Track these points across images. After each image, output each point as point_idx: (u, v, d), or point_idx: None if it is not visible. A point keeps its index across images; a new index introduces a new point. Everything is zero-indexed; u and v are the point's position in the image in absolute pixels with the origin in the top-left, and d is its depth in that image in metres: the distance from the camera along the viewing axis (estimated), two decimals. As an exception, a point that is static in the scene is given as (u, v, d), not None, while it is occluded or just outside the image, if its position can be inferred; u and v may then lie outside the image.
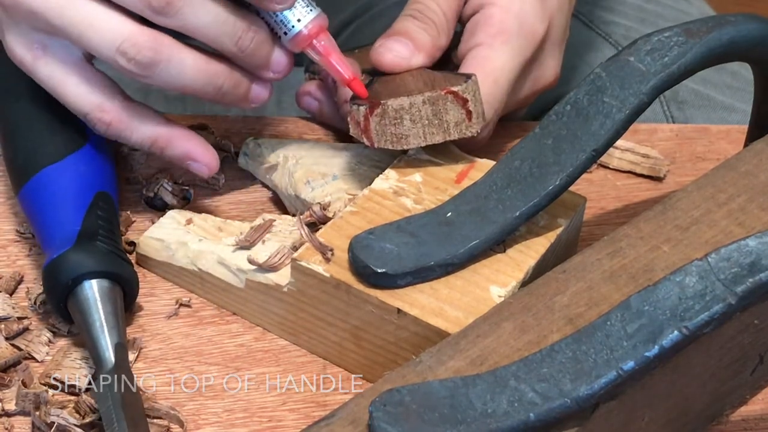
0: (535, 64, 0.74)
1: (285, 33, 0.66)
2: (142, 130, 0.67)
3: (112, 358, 0.59)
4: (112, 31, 0.64)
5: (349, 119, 0.67)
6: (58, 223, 0.63)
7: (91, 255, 0.61)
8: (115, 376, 0.58)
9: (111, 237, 0.63)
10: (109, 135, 0.67)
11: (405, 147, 0.65)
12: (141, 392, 0.60)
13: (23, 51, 0.66)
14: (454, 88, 0.65)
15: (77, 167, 0.65)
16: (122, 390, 0.57)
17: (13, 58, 0.67)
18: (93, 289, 0.61)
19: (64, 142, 0.66)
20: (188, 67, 0.65)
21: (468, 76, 0.66)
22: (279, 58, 0.67)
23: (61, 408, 0.58)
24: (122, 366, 0.59)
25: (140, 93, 0.95)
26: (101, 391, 0.58)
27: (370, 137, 0.65)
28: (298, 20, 0.66)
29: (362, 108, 0.65)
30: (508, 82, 0.71)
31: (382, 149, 0.67)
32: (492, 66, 0.70)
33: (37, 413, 0.58)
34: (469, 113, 0.65)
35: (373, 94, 0.66)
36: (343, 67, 0.67)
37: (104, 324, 0.60)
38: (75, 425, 0.58)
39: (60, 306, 0.62)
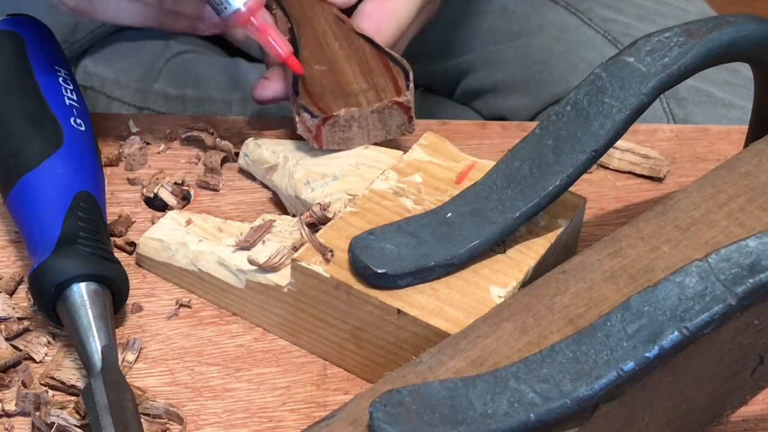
0: (431, 4, 0.80)
1: (224, 9, 0.68)
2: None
3: (99, 363, 0.59)
4: None
5: (297, 121, 0.70)
6: (39, 230, 0.63)
7: (71, 260, 0.61)
8: (101, 380, 0.58)
9: (94, 238, 0.63)
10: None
11: (350, 147, 0.70)
12: (141, 392, 0.60)
13: None
14: (400, 99, 0.70)
15: (54, 171, 0.65)
16: (108, 395, 0.57)
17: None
18: (79, 293, 0.61)
19: (40, 147, 0.66)
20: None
21: (406, 73, 0.70)
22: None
23: (61, 408, 0.58)
24: (110, 369, 0.59)
25: (138, 94, 0.95)
26: (87, 397, 0.58)
27: (320, 142, 0.70)
28: None
29: (315, 119, 0.69)
30: (411, 30, 0.78)
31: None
32: (396, 17, 0.76)
33: (37, 414, 0.58)
34: (410, 118, 0.71)
35: (303, 62, 0.71)
36: (280, 44, 0.69)
37: (92, 327, 0.60)
38: (75, 425, 0.58)
39: (50, 313, 0.62)
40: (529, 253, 0.62)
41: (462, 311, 0.58)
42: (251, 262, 0.63)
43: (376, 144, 0.71)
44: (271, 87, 0.74)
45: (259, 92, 0.75)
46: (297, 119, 0.70)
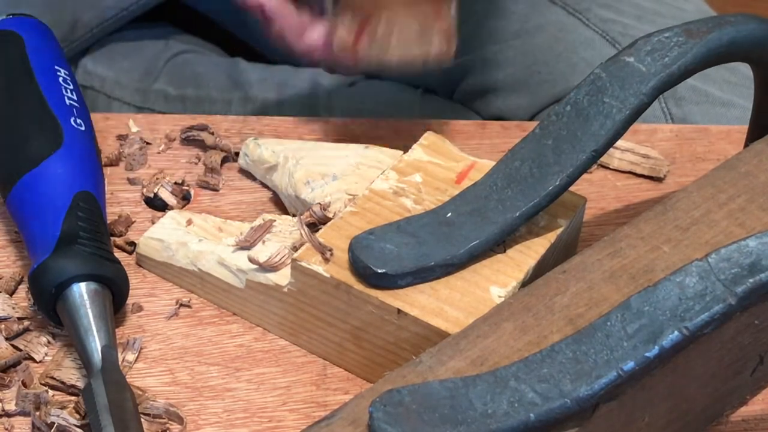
0: None
1: None
2: None
3: (99, 362, 0.59)
4: None
5: (334, 35, 0.67)
6: (39, 230, 0.63)
7: (71, 260, 0.61)
8: (101, 380, 0.58)
9: (94, 237, 0.63)
10: None
11: (387, 65, 0.67)
12: (141, 392, 0.60)
13: None
14: (442, 13, 0.67)
15: (54, 171, 0.65)
16: (108, 395, 0.57)
17: None
18: (79, 293, 0.61)
19: (39, 147, 0.65)
20: None
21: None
22: None
23: (61, 408, 0.58)
24: (110, 369, 0.59)
25: (138, 94, 0.95)
26: (87, 397, 0.58)
27: (357, 53, 0.67)
28: None
29: (354, 22, 0.66)
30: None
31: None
32: None
33: (37, 413, 0.58)
34: (450, 44, 0.68)
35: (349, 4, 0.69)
36: None
37: (92, 327, 0.60)
38: (75, 425, 0.58)
39: (50, 313, 0.62)
40: (529, 253, 0.62)
41: (462, 311, 0.58)
42: (251, 261, 0.63)
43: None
44: (312, 35, 0.69)
45: (298, 42, 0.69)
46: (334, 33, 0.67)
